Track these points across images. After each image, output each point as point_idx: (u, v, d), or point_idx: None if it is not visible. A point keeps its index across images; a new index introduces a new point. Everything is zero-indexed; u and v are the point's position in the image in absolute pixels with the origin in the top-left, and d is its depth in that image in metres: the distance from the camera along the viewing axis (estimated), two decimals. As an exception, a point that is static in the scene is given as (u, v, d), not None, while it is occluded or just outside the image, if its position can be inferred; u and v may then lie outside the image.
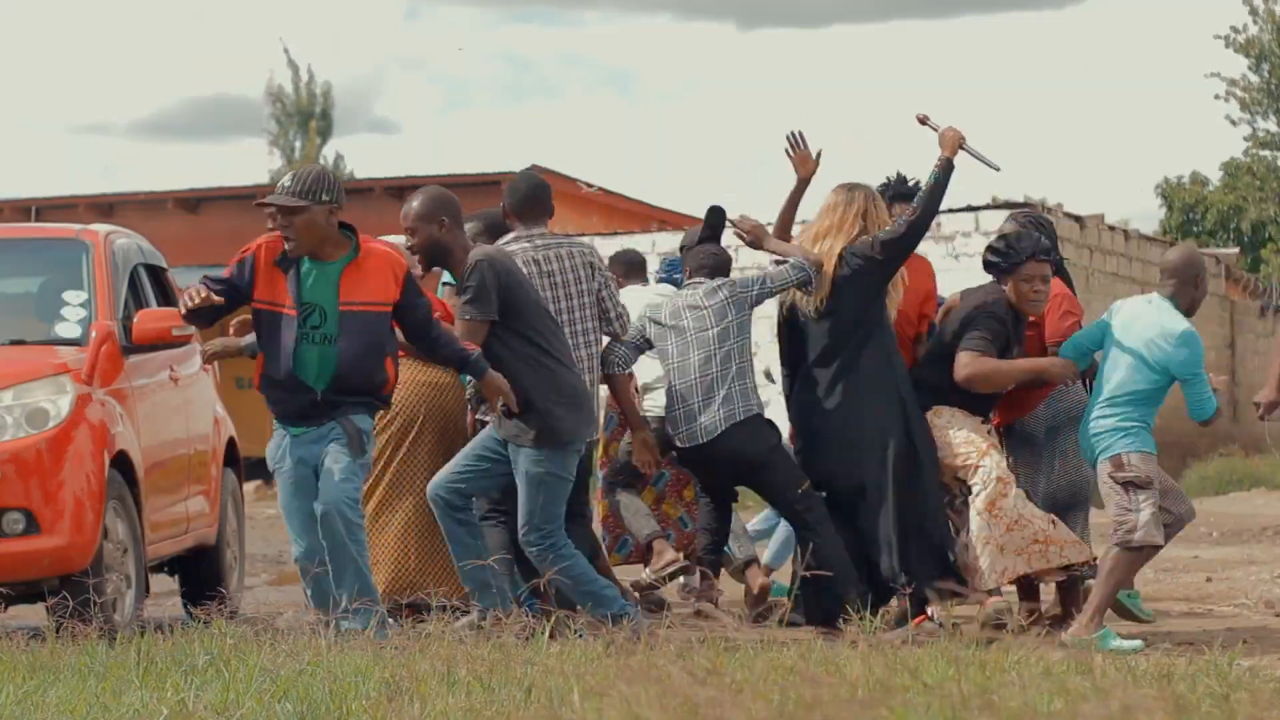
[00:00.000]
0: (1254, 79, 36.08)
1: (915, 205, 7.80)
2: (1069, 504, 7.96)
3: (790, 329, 7.93)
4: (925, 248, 8.91)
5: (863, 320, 7.77)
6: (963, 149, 7.85)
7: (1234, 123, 36.73)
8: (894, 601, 7.71)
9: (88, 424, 7.69)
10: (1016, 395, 8.00)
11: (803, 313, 7.86)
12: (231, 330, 7.87)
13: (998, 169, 7.92)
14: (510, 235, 7.80)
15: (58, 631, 6.62)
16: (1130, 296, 8.12)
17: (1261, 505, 18.77)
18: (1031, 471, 8.02)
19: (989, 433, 7.96)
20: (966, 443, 7.77)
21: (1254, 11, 35.74)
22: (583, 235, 25.47)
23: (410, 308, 7.12)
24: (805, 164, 8.04)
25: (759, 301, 7.91)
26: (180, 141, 79.58)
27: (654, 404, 8.38)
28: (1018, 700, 4.18)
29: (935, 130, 7.89)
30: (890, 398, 7.71)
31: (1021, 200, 22.28)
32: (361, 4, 79.89)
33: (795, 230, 8.33)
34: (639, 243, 25.33)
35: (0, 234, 9.65)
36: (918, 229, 7.78)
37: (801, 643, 5.93)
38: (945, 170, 7.80)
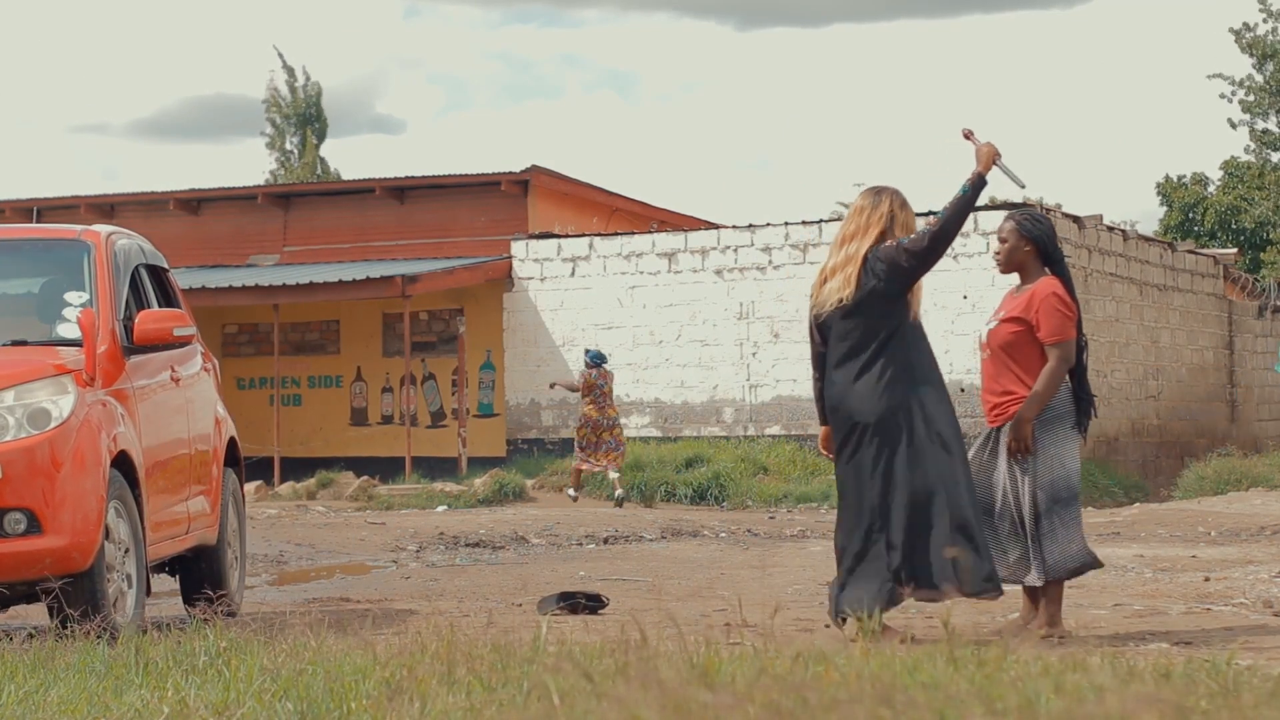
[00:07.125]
0: (1257, 78, 36.10)
1: (941, 216, 7.82)
2: (1052, 499, 7.96)
3: (819, 330, 7.95)
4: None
5: (885, 320, 7.79)
6: (995, 165, 7.93)
7: (1234, 125, 36.75)
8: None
9: (89, 424, 7.72)
10: (1016, 398, 8.02)
11: (827, 312, 7.87)
12: None
13: (1023, 185, 8.09)
14: None
15: (61, 629, 6.62)
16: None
17: (1259, 505, 18.78)
18: (1020, 470, 8.03)
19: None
20: None
21: (1268, 13, 35.75)
22: (583, 235, 25.50)
23: None
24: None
25: None
26: (180, 141, 79.75)
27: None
28: (1017, 700, 4.19)
29: (976, 145, 7.95)
30: (911, 392, 7.70)
31: (1020, 201, 22.26)
32: (361, 4, 79.96)
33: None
34: (639, 243, 25.33)
35: (2, 235, 9.65)
36: (941, 240, 7.79)
37: (801, 643, 5.94)
38: (976, 186, 7.86)
